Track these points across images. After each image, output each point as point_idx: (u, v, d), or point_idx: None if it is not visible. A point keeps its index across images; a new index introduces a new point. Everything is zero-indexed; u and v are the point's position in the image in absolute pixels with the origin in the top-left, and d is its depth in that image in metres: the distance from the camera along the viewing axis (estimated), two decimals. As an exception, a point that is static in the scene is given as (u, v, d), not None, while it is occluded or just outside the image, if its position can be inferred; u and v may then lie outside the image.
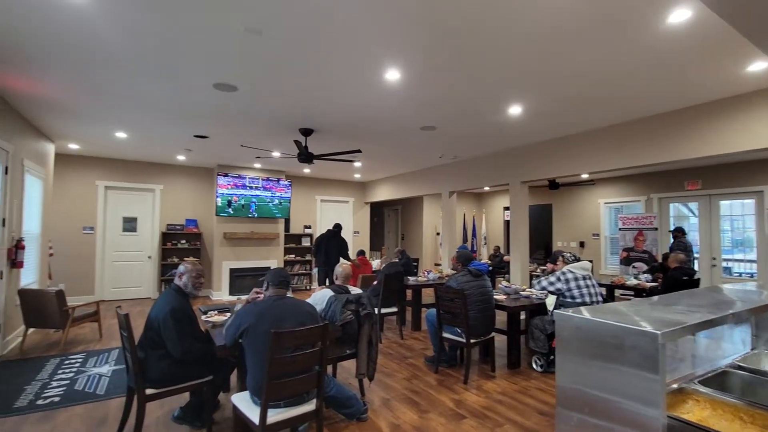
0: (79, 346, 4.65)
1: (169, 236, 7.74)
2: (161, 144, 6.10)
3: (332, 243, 6.78)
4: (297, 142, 4.79)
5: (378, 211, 12.46)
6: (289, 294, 2.49)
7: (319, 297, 3.13)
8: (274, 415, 2.06)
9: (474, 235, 11.45)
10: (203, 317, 3.04)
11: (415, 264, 7.78)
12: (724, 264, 7.40)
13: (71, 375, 3.72)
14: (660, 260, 6.63)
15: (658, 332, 0.77)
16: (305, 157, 4.99)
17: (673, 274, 4.88)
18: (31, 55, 3.08)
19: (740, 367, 1.47)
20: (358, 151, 4.99)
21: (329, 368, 3.61)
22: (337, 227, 6.98)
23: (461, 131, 5.14)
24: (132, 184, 7.55)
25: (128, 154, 7.02)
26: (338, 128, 4.99)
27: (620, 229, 8.21)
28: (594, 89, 3.66)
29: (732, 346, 1.67)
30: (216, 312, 3.20)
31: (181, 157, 7.23)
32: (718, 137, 3.89)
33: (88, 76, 3.47)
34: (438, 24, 2.54)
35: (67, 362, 4.07)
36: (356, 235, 10.16)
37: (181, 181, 8.02)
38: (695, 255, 7.70)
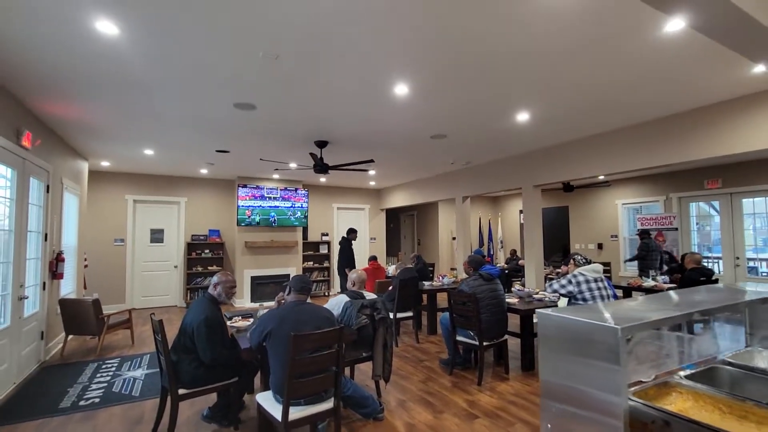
0: (114, 351, 4.95)
1: (193, 246, 8.09)
2: (185, 159, 6.43)
3: (341, 249, 6.96)
4: (312, 155, 5.01)
5: (394, 216, 12.62)
6: (309, 300, 2.66)
7: (336, 302, 3.30)
8: (295, 413, 2.22)
9: (490, 238, 11.46)
10: (229, 323, 3.25)
11: (431, 269, 7.89)
12: (750, 264, 7.22)
13: (108, 378, 3.99)
14: (680, 261, 6.54)
15: (618, 327, 0.90)
16: (321, 168, 5.20)
17: (690, 275, 4.84)
18: (69, 86, 3.39)
19: (730, 363, 1.55)
20: (371, 161, 5.17)
21: (347, 370, 3.77)
22: (348, 232, 7.12)
23: (471, 138, 5.26)
24: (158, 197, 7.95)
25: (155, 169, 7.41)
26: (352, 140, 5.19)
27: (638, 230, 8.11)
28: (600, 96, 3.74)
29: (727, 343, 1.74)
30: (240, 317, 3.40)
31: (203, 171, 7.57)
32: (732, 136, 3.88)
33: (119, 100, 3.77)
34: (441, 42, 2.70)
35: (104, 366, 4.36)
36: (373, 241, 10.34)
37: (204, 193, 8.38)
38: (718, 255, 7.55)
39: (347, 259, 6.86)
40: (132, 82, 3.32)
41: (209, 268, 8.13)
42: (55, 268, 4.77)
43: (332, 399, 2.38)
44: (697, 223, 7.99)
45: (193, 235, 8.11)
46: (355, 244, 10.02)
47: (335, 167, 5.37)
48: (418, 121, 4.46)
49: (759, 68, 3.15)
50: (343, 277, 6.57)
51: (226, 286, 2.87)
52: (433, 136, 5.10)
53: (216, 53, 2.84)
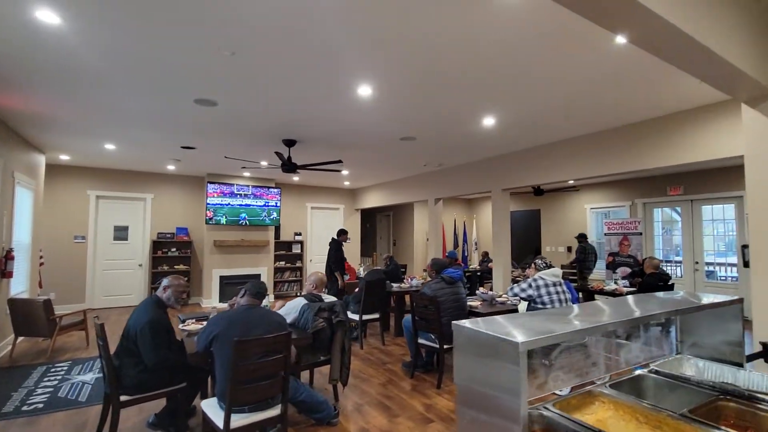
0: (66, 354, 4.74)
1: (159, 244, 7.85)
2: (150, 154, 6.23)
3: (330, 250, 6.58)
4: (278, 154, 4.93)
5: (370, 217, 12.59)
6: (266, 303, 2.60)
7: (293, 305, 3.25)
8: (239, 420, 2.16)
9: (465, 240, 11.57)
10: (180, 326, 3.15)
11: (403, 270, 7.90)
12: (708, 268, 7.52)
13: (56, 383, 3.81)
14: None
15: (519, 341, 0.89)
16: (288, 167, 5.12)
17: (648, 280, 5.00)
18: (13, 75, 3.21)
19: (656, 372, 1.59)
20: (339, 161, 5.12)
21: (305, 374, 3.72)
22: (338, 233, 6.72)
23: (440, 141, 5.28)
24: (123, 193, 7.68)
25: (119, 164, 7.15)
26: (320, 139, 5.13)
27: (606, 234, 8.34)
28: (562, 103, 3.81)
29: (658, 350, 1.79)
30: (194, 320, 3.31)
31: (171, 167, 7.36)
32: (693, 145, 4.00)
33: (70, 92, 3.60)
34: (404, 44, 2.68)
35: (53, 370, 4.16)
36: (347, 242, 10.27)
37: (172, 190, 8.14)
38: (678, 258, 7.85)
39: (337, 261, 6.43)
40: (81, 74, 3.17)
41: (176, 267, 7.91)
42: (3, 266, 4.53)
43: (279, 405, 2.33)
44: (662, 228, 8.27)
45: (159, 233, 7.87)
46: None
47: (304, 167, 5.30)
48: (386, 122, 4.44)
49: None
50: (332, 281, 6.23)
51: (177, 290, 2.78)
52: (402, 138, 5.09)
53: (167, 47, 2.74)
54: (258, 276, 8.40)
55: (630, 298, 1.64)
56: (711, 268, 7.54)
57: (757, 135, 2.30)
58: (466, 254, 11.47)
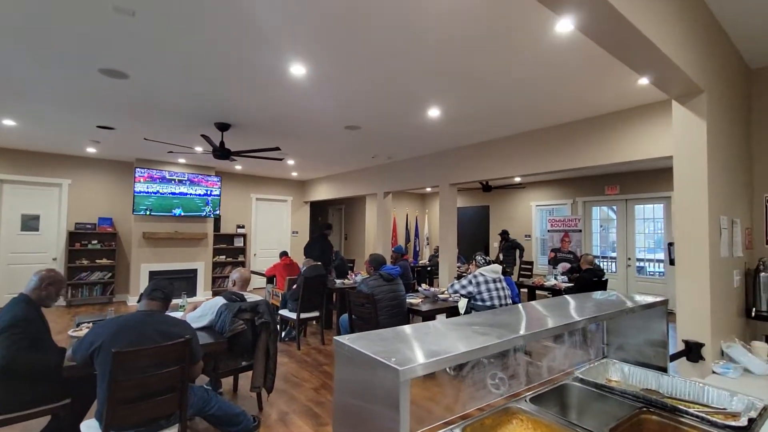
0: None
1: (78, 236, 7.02)
2: (61, 134, 5.48)
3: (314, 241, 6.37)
4: (206, 137, 4.48)
5: (321, 210, 12.21)
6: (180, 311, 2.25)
7: (210, 305, 2.90)
8: (122, 445, 1.82)
9: (417, 235, 11.54)
10: (70, 331, 2.70)
11: (351, 265, 7.66)
12: (639, 264, 7.97)
13: None
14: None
15: (399, 368, 0.68)
16: (221, 153, 4.68)
17: (584, 276, 5.13)
18: None
19: (581, 380, 1.46)
20: (277, 148, 4.76)
21: (230, 380, 3.39)
22: (325, 227, 6.53)
23: (386, 132, 5.07)
24: (33, 177, 6.76)
25: (26, 145, 6.26)
26: (258, 124, 4.73)
27: (549, 231, 8.60)
28: (504, 97, 3.72)
29: (584, 354, 1.67)
30: (90, 323, 2.86)
31: (91, 150, 6.57)
32: (628, 145, 4.09)
33: (-61, 53, 2.98)
34: (341, 18, 2.41)
35: None
36: (294, 235, 9.86)
37: (93, 176, 7.31)
38: (614, 254, 8.26)
39: (320, 251, 6.18)
40: (-57, 27, 2.60)
41: (97, 261, 7.12)
42: None
43: (176, 425, 2.01)
44: (600, 226, 8.66)
45: (77, 224, 7.04)
46: (277, 238, 9.51)
47: (238, 153, 4.87)
48: (327, 107, 4.14)
49: (643, 80, 3.30)
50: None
51: (57, 288, 2.34)
52: (347, 126, 4.82)
53: (55, 1, 2.28)
54: (194, 272, 7.80)
55: (559, 300, 1.50)
56: (641, 264, 8.00)
57: (685, 133, 2.28)
58: (417, 249, 11.44)
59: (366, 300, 3.52)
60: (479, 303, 3.74)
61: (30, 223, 6.79)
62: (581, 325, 1.08)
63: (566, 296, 1.48)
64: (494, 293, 3.74)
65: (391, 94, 3.71)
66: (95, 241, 7.13)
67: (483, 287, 3.74)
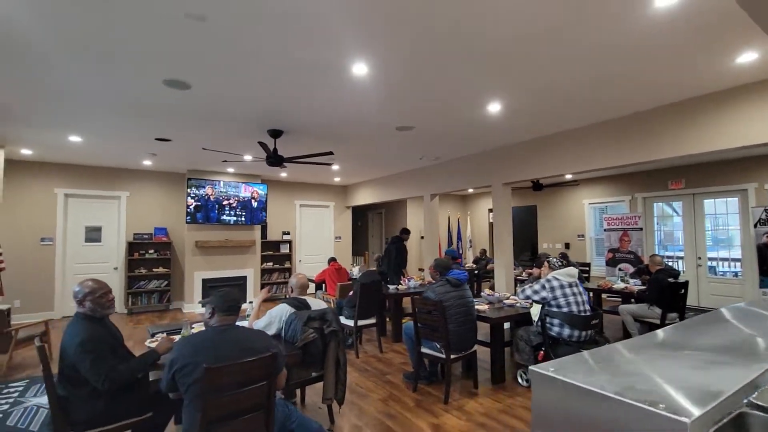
0: (25, 371, 4.22)
1: (136, 246, 7.29)
2: (122, 148, 5.69)
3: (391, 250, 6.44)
4: (262, 144, 4.46)
5: (361, 215, 12.15)
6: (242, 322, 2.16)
7: (277, 314, 2.81)
8: (212, 466, 1.73)
9: (459, 237, 11.23)
10: (147, 341, 2.69)
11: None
12: (710, 263, 7.31)
13: (6, 407, 3.30)
14: (646, 261, 6.48)
15: (688, 420, 0.49)
16: (274, 160, 4.66)
17: (658, 277, 4.69)
18: (-55, 47, 2.71)
19: (757, 406, 1.21)
20: (330, 153, 4.69)
21: (295, 393, 3.29)
22: (401, 232, 6.71)
23: (440, 131, 4.88)
24: (95, 191, 7.09)
25: (89, 160, 6.57)
26: (310, 129, 4.68)
27: (605, 230, 8.07)
28: (570, 88, 3.44)
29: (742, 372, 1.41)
30: (165, 334, 2.84)
31: (147, 162, 6.81)
32: (700, 135, 3.73)
33: (23, 75, 3.10)
34: (408, 13, 2.27)
35: (5, 391, 3.65)
36: (338, 241, 9.83)
37: (149, 188, 7.58)
38: (672, 253, 7.62)
39: (400, 262, 6.38)
40: (20, 49, 2.67)
41: (154, 270, 7.36)
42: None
43: (263, 443, 1.90)
44: (657, 223, 8.05)
45: (135, 234, 7.31)
46: (320, 244, 9.52)
47: (290, 159, 4.84)
48: (383, 108, 4.02)
49: (742, 58, 2.93)
50: (395, 275, 6.18)
51: (94, 297, 2.23)
52: (399, 127, 4.68)
53: (124, 14, 2.27)
54: (243, 279, 7.91)
55: (740, 312, 1.25)
56: (712, 263, 7.32)
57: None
58: (460, 252, 11.12)
59: (433, 307, 3.33)
60: (555, 309, 3.46)
61: (93, 235, 7.11)
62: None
63: (742, 306, 1.23)
64: (571, 299, 3.45)
65: (450, 88, 3.53)
66: (152, 251, 7.38)
67: (558, 292, 3.45)
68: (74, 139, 5.12)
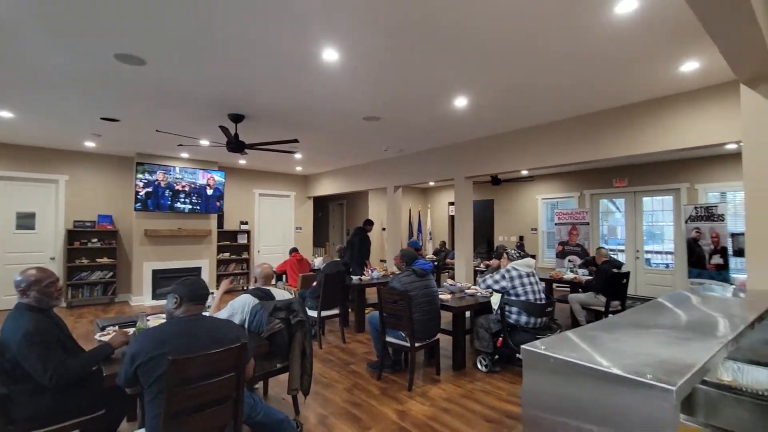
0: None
1: (76, 234, 6.73)
2: (61, 127, 5.20)
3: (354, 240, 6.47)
4: (224, 129, 4.26)
5: (322, 205, 12.00)
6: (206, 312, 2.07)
7: (240, 304, 2.73)
8: (176, 461, 1.66)
9: (420, 230, 11.42)
10: (97, 335, 2.51)
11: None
12: (646, 256, 7.97)
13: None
14: (592, 254, 6.95)
15: (673, 387, 0.54)
16: (235, 146, 4.47)
17: (603, 267, 5.06)
18: None
19: (703, 381, 1.35)
20: (295, 140, 4.57)
21: (260, 385, 3.22)
22: (364, 223, 6.69)
23: (407, 123, 4.91)
24: (27, 173, 6.44)
25: (22, 138, 5.95)
26: (273, 115, 4.53)
27: (556, 224, 8.55)
28: (540, 86, 3.59)
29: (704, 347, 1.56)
30: (116, 327, 2.66)
31: (90, 144, 6.27)
32: (642, 137, 4.04)
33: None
34: (383, 2, 2.25)
35: None
36: (299, 231, 9.66)
37: (92, 171, 7.00)
38: (614, 246, 8.25)
39: (362, 253, 6.38)
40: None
41: (98, 260, 6.84)
42: None
43: (230, 436, 1.84)
44: (601, 218, 8.65)
45: (76, 221, 6.74)
46: (280, 234, 9.30)
47: (253, 146, 4.66)
48: (351, 97, 3.97)
49: (685, 67, 3.19)
50: (358, 266, 6.19)
51: (41, 286, 2.05)
52: (366, 117, 4.65)
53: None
54: (198, 270, 7.56)
55: (681, 296, 1.38)
56: (648, 256, 8.00)
57: (755, 119, 2.18)
58: (420, 244, 11.32)
59: (399, 297, 3.37)
60: (513, 298, 3.63)
61: (25, 222, 6.47)
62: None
63: (682, 292, 1.36)
64: (528, 288, 3.64)
65: (420, 82, 3.56)
66: (95, 239, 6.85)
67: (517, 282, 3.63)
68: (4, 114, 4.61)
